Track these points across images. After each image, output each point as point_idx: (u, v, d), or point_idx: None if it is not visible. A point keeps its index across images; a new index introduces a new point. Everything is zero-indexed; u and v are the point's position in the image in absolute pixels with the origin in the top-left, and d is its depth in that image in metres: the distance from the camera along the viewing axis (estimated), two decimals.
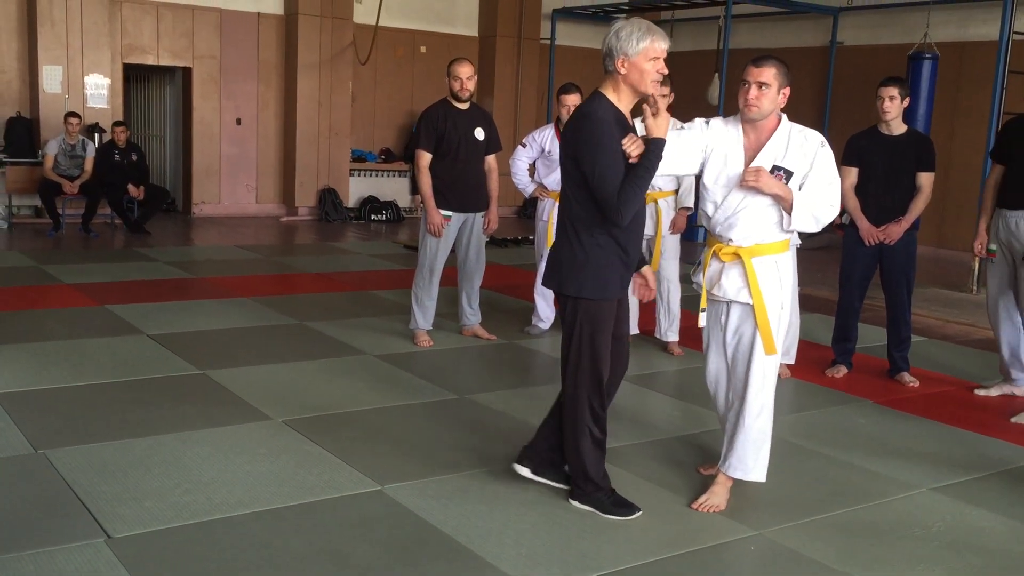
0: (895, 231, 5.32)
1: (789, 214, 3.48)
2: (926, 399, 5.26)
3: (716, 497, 3.63)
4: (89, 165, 10.11)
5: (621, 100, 3.36)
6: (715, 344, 3.77)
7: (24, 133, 10.54)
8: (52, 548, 3.05)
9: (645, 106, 3.32)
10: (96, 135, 10.68)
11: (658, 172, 3.40)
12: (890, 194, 5.32)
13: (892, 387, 5.47)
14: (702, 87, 11.82)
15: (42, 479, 3.61)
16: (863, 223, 5.35)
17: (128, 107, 12.12)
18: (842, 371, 5.65)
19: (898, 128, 5.30)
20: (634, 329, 6.17)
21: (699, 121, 3.63)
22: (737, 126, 3.56)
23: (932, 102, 9.55)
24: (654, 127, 3.28)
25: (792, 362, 5.53)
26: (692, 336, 6.27)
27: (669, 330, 6.04)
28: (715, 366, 3.79)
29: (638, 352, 6.02)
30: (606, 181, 3.24)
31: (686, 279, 6.66)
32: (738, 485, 3.77)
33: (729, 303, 3.63)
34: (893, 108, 5.22)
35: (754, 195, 3.49)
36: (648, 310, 6.26)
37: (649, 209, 5.91)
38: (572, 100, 5.91)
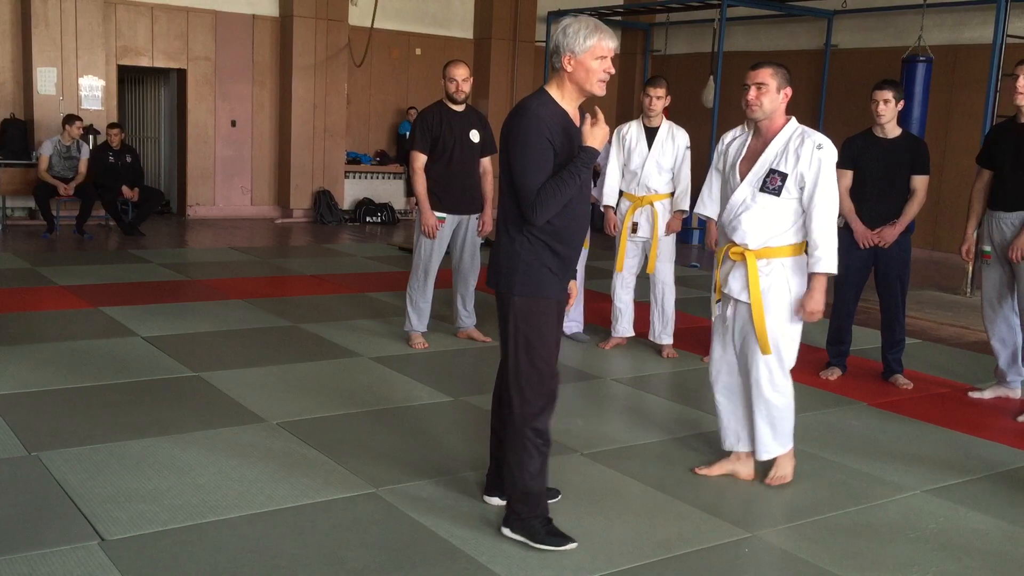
0: (890, 234, 5.34)
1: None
2: (920, 401, 5.27)
3: (782, 469, 3.91)
4: (83, 167, 10.09)
5: (565, 98, 3.24)
6: (720, 336, 3.91)
7: (18, 135, 10.52)
8: (45, 550, 3.04)
9: (587, 114, 3.21)
10: (90, 137, 10.66)
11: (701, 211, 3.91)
12: (885, 197, 5.33)
13: (886, 389, 5.48)
14: (697, 90, 11.84)
15: (35, 481, 3.60)
16: (858, 226, 5.37)
17: (122, 109, 12.10)
18: (836, 373, 5.66)
19: (893, 131, 5.31)
20: (629, 332, 6.19)
21: (718, 148, 3.95)
22: (750, 132, 3.79)
23: (926, 105, 9.58)
24: (589, 135, 3.18)
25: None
26: (686, 338, 6.28)
27: (663, 333, 6.04)
28: (717, 356, 3.94)
29: (632, 355, 6.03)
30: (527, 178, 3.13)
31: (681, 280, 6.70)
32: (728, 490, 3.80)
33: (736, 300, 3.78)
34: (888, 111, 5.24)
35: (753, 198, 3.65)
36: (643, 312, 6.27)
37: (646, 212, 5.92)
38: None
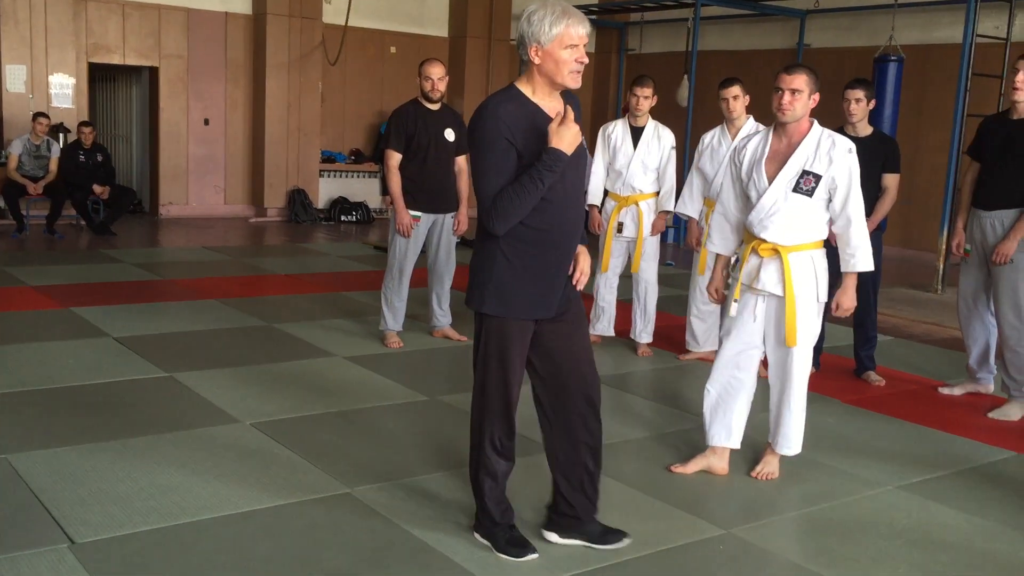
0: None
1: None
2: (892, 398, 5.32)
3: (770, 466, 4.00)
4: (54, 166, 9.97)
5: (536, 93, 2.95)
6: (742, 333, 3.93)
7: None
8: (15, 554, 3.00)
9: (557, 114, 2.91)
10: (61, 135, 10.54)
11: (718, 247, 3.97)
12: None
13: (859, 386, 5.53)
14: (671, 89, 11.87)
15: (4, 484, 3.55)
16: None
17: (94, 107, 11.96)
18: (810, 371, 5.69)
19: (864, 130, 5.35)
20: (609, 331, 6.19)
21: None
22: (767, 133, 3.85)
23: (898, 104, 9.66)
24: (555, 136, 2.84)
25: None
26: (661, 336, 6.30)
27: (644, 332, 6.06)
28: (730, 352, 3.97)
29: (608, 353, 6.04)
30: (485, 181, 2.87)
31: (663, 280, 6.71)
32: (703, 487, 3.82)
33: (767, 296, 3.86)
34: (859, 110, 5.27)
35: (785, 198, 3.75)
36: (625, 311, 6.28)
37: (631, 211, 5.94)
38: None
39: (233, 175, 12.37)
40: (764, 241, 3.81)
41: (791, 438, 3.95)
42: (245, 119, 12.28)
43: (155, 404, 4.59)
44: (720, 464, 4.01)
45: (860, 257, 3.79)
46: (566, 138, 2.85)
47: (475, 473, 3.19)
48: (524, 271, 2.97)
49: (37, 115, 9.86)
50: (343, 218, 12.51)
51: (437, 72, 5.68)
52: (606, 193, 6.03)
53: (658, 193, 5.94)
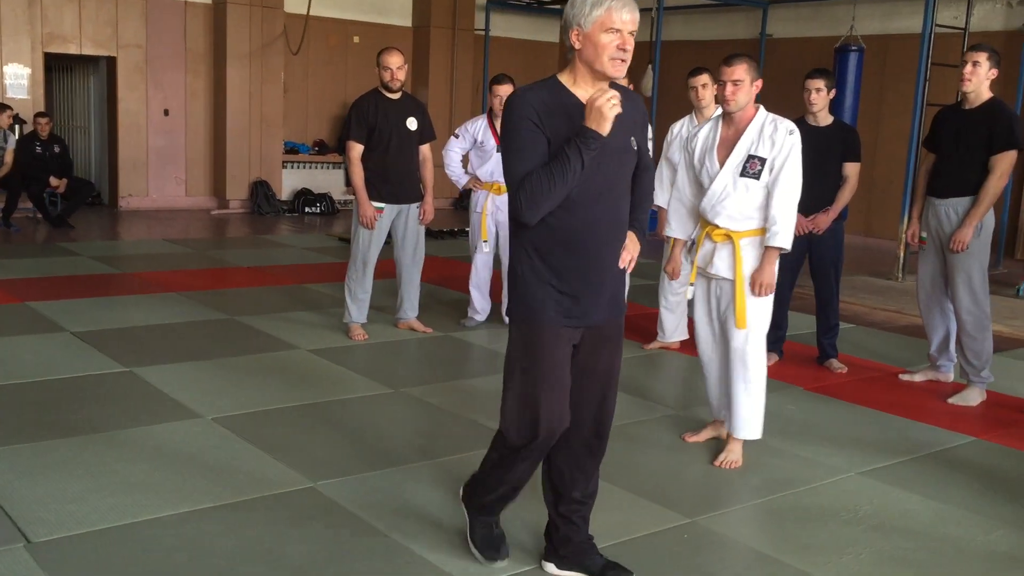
0: (823, 220, 5.41)
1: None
2: (854, 385, 5.37)
3: (733, 454, 4.01)
4: (9, 157, 9.77)
5: (577, 82, 2.73)
6: (705, 316, 4.07)
7: None
8: None
9: (594, 92, 2.67)
10: (16, 126, 10.33)
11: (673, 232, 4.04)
12: (817, 184, 5.37)
13: (821, 374, 5.58)
14: (636, 79, 11.88)
15: None
16: None
17: (50, 98, 11.75)
18: (772, 359, 5.72)
19: (824, 119, 5.39)
20: None
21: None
22: (717, 121, 3.97)
23: (858, 94, 9.76)
24: (589, 115, 2.61)
25: None
26: (630, 327, 6.31)
27: None
28: (705, 334, 4.10)
29: None
30: (511, 167, 2.68)
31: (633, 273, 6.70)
32: (668, 476, 3.83)
33: (720, 280, 3.93)
34: (820, 100, 5.31)
35: (734, 183, 3.84)
36: None
37: None
38: (505, 91, 5.89)
39: (194, 166, 12.21)
40: (717, 227, 3.91)
41: (749, 421, 3.99)
42: (206, 110, 12.12)
43: (114, 400, 4.52)
44: (726, 432, 4.16)
45: (782, 235, 3.81)
46: (599, 120, 2.60)
47: (483, 473, 3.03)
48: (545, 277, 2.76)
49: (0, 107, 9.66)
50: (307, 210, 12.40)
51: (395, 61, 5.63)
52: None
53: None
